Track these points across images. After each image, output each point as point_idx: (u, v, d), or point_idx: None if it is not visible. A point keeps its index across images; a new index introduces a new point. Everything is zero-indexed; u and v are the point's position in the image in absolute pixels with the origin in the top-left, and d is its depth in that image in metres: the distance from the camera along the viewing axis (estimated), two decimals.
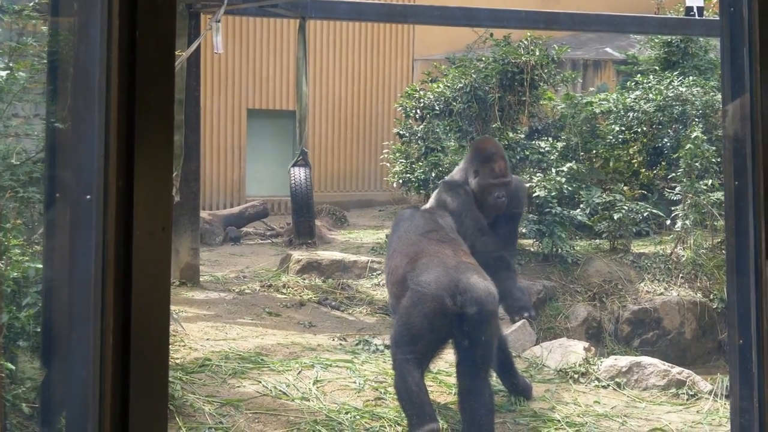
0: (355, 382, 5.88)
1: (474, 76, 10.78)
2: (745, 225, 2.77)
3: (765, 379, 2.69)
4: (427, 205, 7.31)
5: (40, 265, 3.73)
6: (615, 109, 11.56)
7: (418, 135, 10.86)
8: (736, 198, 2.82)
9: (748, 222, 2.75)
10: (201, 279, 9.27)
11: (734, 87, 2.83)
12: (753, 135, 2.72)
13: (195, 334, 6.81)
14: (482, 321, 5.07)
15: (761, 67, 2.70)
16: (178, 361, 5.93)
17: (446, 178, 7.49)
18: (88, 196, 1.94)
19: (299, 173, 10.57)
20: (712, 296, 8.70)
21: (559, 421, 5.55)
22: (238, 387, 5.62)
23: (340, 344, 6.90)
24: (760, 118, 2.70)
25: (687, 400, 6.16)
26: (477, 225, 6.97)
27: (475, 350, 5.11)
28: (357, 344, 6.94)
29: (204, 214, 12.40)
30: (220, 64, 16.63)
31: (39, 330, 3.60)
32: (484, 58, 11.15)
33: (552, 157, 10.61)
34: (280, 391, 5.60)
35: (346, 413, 5.39)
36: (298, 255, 9.94)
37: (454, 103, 10.73)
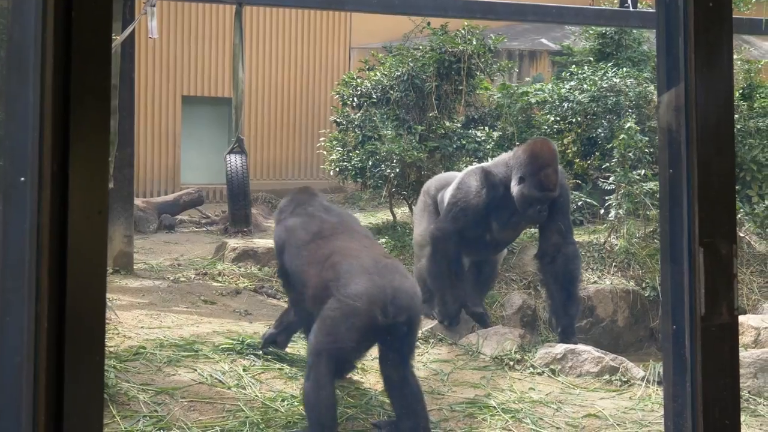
0: (290, 370, 5.86)
1: (411, 64, 10.78)
2: (679, 213, 2.80)
3: (697, 365, 2.72)
4: (450, 188, 7.36)
5: None
6: (550, 99, 11.65)
7: (355, 123, 10.84)
8: (671, 186, 2.85)
9: (683, 210, 2.78)
10: (135, 267, 9.17)
11: (669, 77, 2.85)
12: (688, 124, 2.75)
13: (129, 322, 6.73)
14: (411, 324, 5.00)
15: (696, 57, 2.73)
16: (112, 349, 5.86)
17: (484, 165, 7.47)
18: (22, 179, 1.89)
19: (235, 160, 10.48)
20: (644, 285, 8.81)
21: (495, 407, 5.59)
22: (173, 375, 5.56)
23: None
24: (695, 108, 2.73)
25: (620, 386, 6.25)
26: (505, 219, 7.07)
27: (401, 347, 5.06)
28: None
29: (138, 201, 12.27)
30: (155, 50, 16.46)
31: None
32: (421, 47, 11.16)
33: (488, 147, 10.67)
34: (215, 379, 5.56)
35: (282, 401, 5.38)
36: (234, 243, 9.88)
37: (392, 92, 10.72)
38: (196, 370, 5.66)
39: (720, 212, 2.73)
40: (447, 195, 7.44)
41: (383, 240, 9.77)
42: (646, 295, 8.70)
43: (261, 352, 6.09)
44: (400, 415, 5.06)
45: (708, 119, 2.71)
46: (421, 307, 5.25)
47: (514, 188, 6.93)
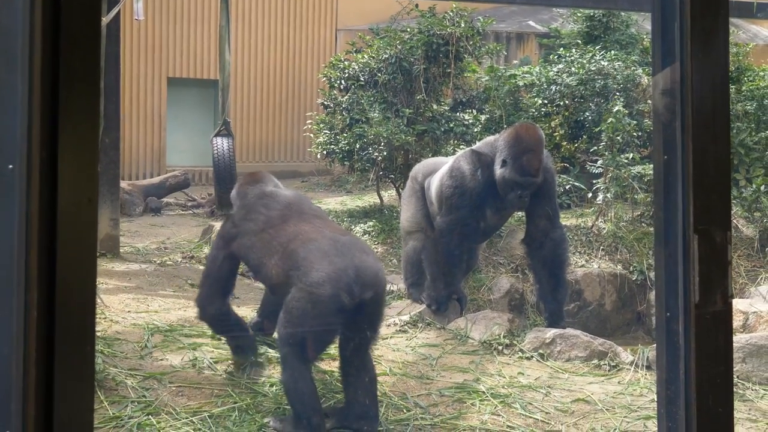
0: (276, 355, 5.83)
1: (399, 47, 10.72)
2: (673, 199, 2.78)
3: (691, 353, 2.72)
4: (444, 168, 7.32)
5: None
6: (538, 82, 11.62)
7: (343, 106, 10.78)
8: (665, 173, 2.84)
9: (677, 196, 2.76)
10: (121, 250, 9.12)
11: (665, 61, 2.83)
12: (683, 109, 2.74)
13: (116, 306, 6.69)
14: (377, 302, 4.95)
15: (692, 42, 2.70)
16: (98, 334, 5.82)
17: (474, 147, 7.43)
18: (11, 166, 1.86)
19: (222, 143, 10.42)
20: (631, 268, 8.81)
21: (484, 392, 5.58)
22: (161, 360, 5.54)
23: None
24: (690, 92, 2.71)
25: (609, 371, 6.24)
26: (498, 202, 7.05)
27: (368, 325, 5.03)
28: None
29: (124, 184, 12.20)
30: (140, 32, 16.35)
31: None
32: (409, 30, 11.10)
33: (476, 130, 10.64)
34: (204, 363, 5.53)
35: (271, 386, 5.36)
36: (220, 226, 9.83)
37: (379, 75, 10.66)
38: (184, 354, 5.63)
39: (715, 199, 2.72)
40: (435, 181, 7.41)
41: (370, 223, 9.73)
42: (634, 278, 8.71)
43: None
44: (351, 400, 5.01)
45: (703, 106, 2.69)
46: (385, 282, 5.18)
47: (497, 171, 6.90)
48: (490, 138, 7.40)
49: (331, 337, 5.07)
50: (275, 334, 5.89)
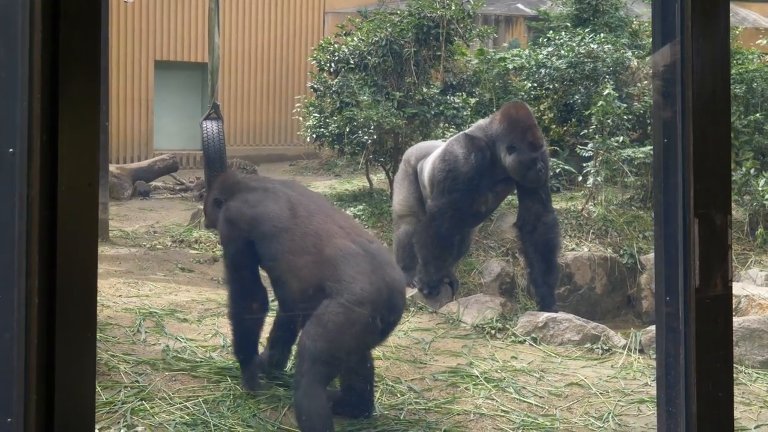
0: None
1: (389, 30, 10.67)
2: (673, 182, 2.77)
3: (691, 337, 2.71)
4: (437, 152, 7.30)
5: None
6: (527, 65, 11.60)
7: (333, 89, 10.72)
8: (665, 156, 2.82)
9: (677, 180, 2.75)
10: (110, 234, 9.08)
11: (665, 43, 2.81)
12: (683, 92, 2.72)
13: (106, 290, 6.65)
14: (396, 322, 4.79)
15: (692, 24, 2.69)
16: None
17: (467, 131, 7.40)
18: (11, 150, 1.83)
19: (211, 127, 10.35)
20: (622, 252, 8.82)
21: (477, 376, 5.57)
22: (154, 345, 5.51)
23: None
24: (691, 75, 2.69)
25: (602, 354, 6.25)
26: (491, 186, 7.06)
27: (380, 341, 4.93)
28: (273, 300, 6.85)
29: (112, 167, 12.16)
30: (127, 14, 16.24)
31: None
32: (399, 12, 11.05)
33: (466, 113, 10.61)
34: (198, 347, 5.51)
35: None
36: None
37: (369, 57, 10.61)
38: (177, 339, 5.60)
39: (715, 183, 2.71)
40: (428, 165, 7.39)
41: (360, 207, 9.71)
42: (624, 262, 8.71)
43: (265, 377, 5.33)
44: (348, 386, 4.86)
45: (704, 88, 2.68)
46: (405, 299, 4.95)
47: (507, 159, 6.91)
48: (482, 122, 7.38)
49: (354, 359, 4.79)
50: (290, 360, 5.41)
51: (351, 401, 4.89)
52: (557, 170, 10.30)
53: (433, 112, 10.47)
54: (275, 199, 4.84)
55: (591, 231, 9.15)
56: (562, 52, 11.44)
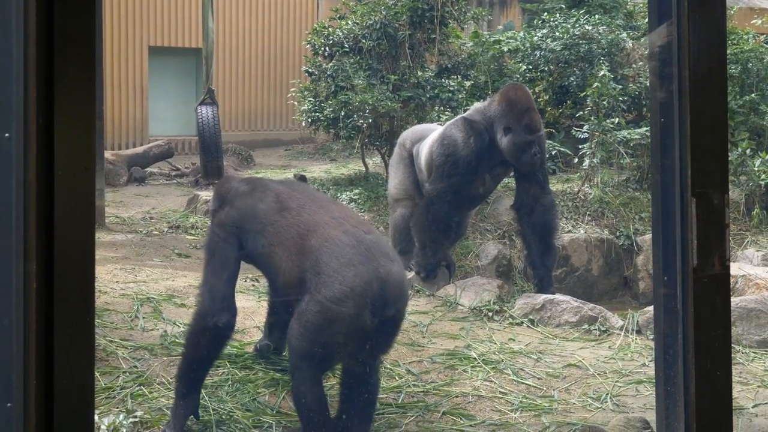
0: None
1: (384, 13, 10.63)
2: (671, 162, 2.77)
3: (689, 316, 2.71)
4: (434, 135, 7.29)
5: None
6: (522, 47, 11.58)
7: (327, 73, 10.70)
8: (662, 135, 2.82)
9: (674, 159, 2.74)
10: (106, 220, 9.07)
11: (661, 23, 2.80)
12: (680, 71, 2.71)
13: (103, 276, 6.64)
14: (397, 319, 4.47)
15: (689, 3, 2.68)
16: None
17: (465, 114, 7.39)
18: (7, 134, 1.83)
19: (207, 112, 10.36)
20: (618, 233, 8.83)
21: (475, 358, 5.58)
22: (152, 330, 5.51)
23: (253, 285, 6.81)
24: (687, 53, 2.68)
25: (599, 335, 6.26)
26: (489, 169, 7.07)
27: (382, 342, 4.51)
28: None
29: (107, 154, 12.15)
30: (120, 0, 16.21)
31: None
32: None
33: (461, 96, 10.59)
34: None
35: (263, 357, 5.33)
36: (206, 195, 9.79)
37: (364, 41, 10.58)
38: (175, 324, 5.60)
39: (712, 162, 2.70)
40: (425, 149, 7.38)
41: (356, 191, 9.70)
42: (620, 243, 8.72)
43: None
44: (346, 411, 4.53)
45: (700, 67, 2.67)
46: (408, 294, 4.70)
47: (503, 140, 6.90)
48: (479, 105, 7.36)
49: (345, 352, 4.47)
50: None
51: (340, 428, 4.53)
52: (553, 152, 10.29)
53: (428, 96, 10.46)
54: (262, 197, 4.67)
55: (587, 213, 9.16)
56: (557, 33, 11.42)
